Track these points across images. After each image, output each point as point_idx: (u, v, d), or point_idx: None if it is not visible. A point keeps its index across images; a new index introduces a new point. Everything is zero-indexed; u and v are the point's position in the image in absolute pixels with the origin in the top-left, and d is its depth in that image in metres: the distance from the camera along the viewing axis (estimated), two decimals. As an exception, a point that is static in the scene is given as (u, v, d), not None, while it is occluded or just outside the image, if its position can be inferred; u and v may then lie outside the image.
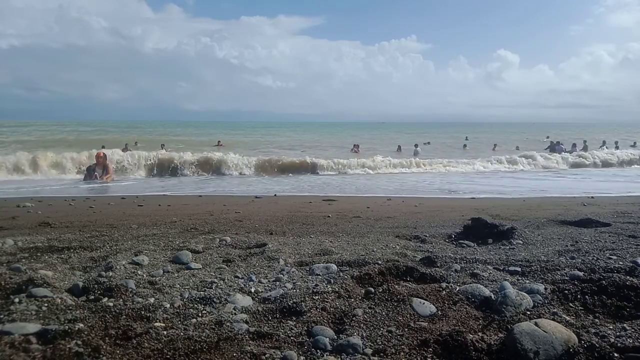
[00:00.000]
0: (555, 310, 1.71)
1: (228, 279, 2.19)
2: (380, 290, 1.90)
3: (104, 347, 1.38)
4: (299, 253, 2.79)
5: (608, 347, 1.37)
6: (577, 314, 1.69)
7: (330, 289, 1.97)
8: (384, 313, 1.71)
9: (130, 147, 19.55)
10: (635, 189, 9.73)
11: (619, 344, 1.40)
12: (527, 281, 2.12)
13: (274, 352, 1.41)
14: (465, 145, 29.46)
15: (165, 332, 1.50)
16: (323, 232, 3.68)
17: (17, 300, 1.73)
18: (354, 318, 1.65)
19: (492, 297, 1.86)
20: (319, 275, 2.25)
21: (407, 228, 3.90)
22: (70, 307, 1.72)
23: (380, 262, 2.42)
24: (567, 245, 2.94)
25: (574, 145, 24.68)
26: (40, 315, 1.62)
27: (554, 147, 23.98)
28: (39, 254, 2.67)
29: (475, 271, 2.27)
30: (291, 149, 25.19)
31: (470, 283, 2.03)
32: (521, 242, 3.10)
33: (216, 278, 2.20)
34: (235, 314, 1.73)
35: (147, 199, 7.40)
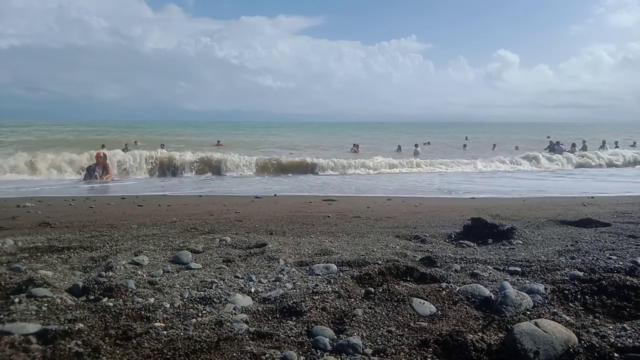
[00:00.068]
0: (555, 310, 1.71)
1: (228, 279, 2.19)
2: (380, 290, 1.90)
3: (104, 347, 1.38)
4: (299, 253, 2.79)
5: (608, 347, 1.37)
6: (577, 314, 1.69)
7: (330, 289, 1.97)
8: (384, 313, 1.71)
9: (130, 147, 19.56)
10: (635, 189, 9.73)
11: (619, 344, 1.40)
12: (527, 281, 2.12)
13: (274, 352, 1.41)
14: (465, 145, 29.48)
15: (165, 332, 1.50)
16: (323, 232, 3.68)
17: (17, 300, 1.73)
18: (354, 318, 1.65)
19: (492, 297, 1.86)
20: (319, 275, 2.25)
21: (407, 228, 3.90)
22: (70, 307, 1.72)
23: (380, 262, 2.42)
24: (567, 245, 2.94)
25: (574, 145, 24.70)
26: (40, 315, 1.62)
27: (554, 147, 24.00)
28: (39, 254, 2.67)
29: (475, 271, 2.27)
30: (291, 149, 25.19)
31: (470, 283, 2.03)
32: (521, 242, 3.10)
33: (216, 278, 2.20)
34: (235, 314, 1.73)
35: (147, 199, 7.40)
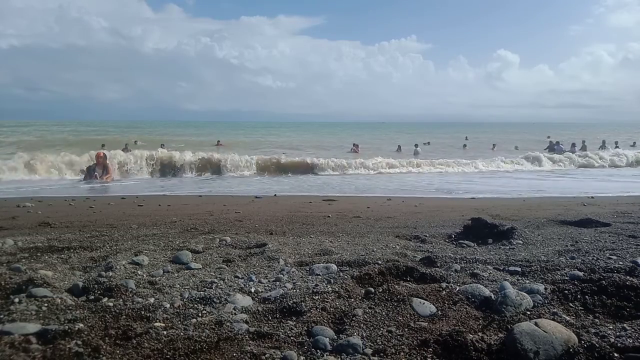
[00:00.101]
0: (555, 310, 1.71)
1: (228, 279, 2.19)
2: (380, 290, 1.90)
3: (104, 347, 1.38)
4: (299, 253, 2.79)
5: (608, 347, 1.37)
6: (577, 314, 1.69)
7: (330, 289, 1.97)
8: (384, 313, 1.71)
9: (130, 147, 19.55)
10: (635, 189, 9.73)
11: (619, 344, 1.40)
12: (527, 281, 2.12)
13: (274, 352, 1.41)
14: (465, 145, 29.49)
15: (165, 332, 1.50)
16: (323, 232, 3.68)
17: (17, 300, 1.73)
18: (354, 318, 1.65)
19: (492, 297, 1.86)
20: (319, 275, 2.25)
21: (407, 228, 3.90)
22: (70, 307, 1.72)
23: (380, 262, 2.42)
24: (567, 245, 2.94)
25: (573, 145, 24.73)
26: (40, 315, 1.62)
27: (553, 147, 24.02)
28: (39, 254, 2.67)
29: (475, 271, 2.27)
30: (291, 148, 25.19)
31: (470, 283, 2.03)
32: (521, 242, 3.10)
33: (216, 278, 2.20)
34: (235, 314, 1.73)
35: (147, 199, 7.40)
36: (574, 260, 2.45)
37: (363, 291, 1.94)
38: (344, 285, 2.00)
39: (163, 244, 2.98)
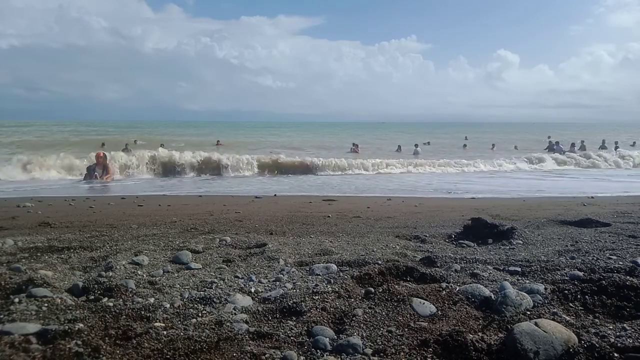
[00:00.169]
0: (555, 310, 1.71)
1: (228, 279, 2.19)
2: (380, 290, 1.90)
3: (104, 347, 1.38)
4: (299, 253, 2.79)
5: (608, 347, 1.37)
6: (577, 314, 1.69)
7: (330, 289, 1.97)
8: (384, 313, 1.71)
9: (130, 147, 19.55)
10: (635, 189, 9.74)
11: (619, 344, 1.40)
12: (527, 281, 2.12)
13: (274, 352, 1.41)
14: (465, 145, 29.50)
15: (165, 332, 1.50)
16: (323, 232, 3.68)
17: (17, 300, 1.73)
18: (354, 318, 1.65)
19: (492, 297, 1.86)
20: (319, 275, 2.25)
21: (407, 228, 3.90)
22: (70, 307, 1.72)
23: (380, 262, 2.42)
24: (567, 245, 2.94)
25: (573, 145, 24.78)
26: (40, 315, 1.62)
27: (553, 147, 24.04)
28: (39, 254, 2.67)
29: (475, 271, 2.27)
30: (291, 148, 25.19)
31: (470, 283, 2.03)
32: (521, 242, 3.10)
33: (216, 278, 2.20)
34: (235, 314, 1.73)
35: (147, 199, 7.40)
36: (574, 260, 2.45)
37: (363, 291, 1.94)
38: (344, 285, 2.00)
39: (163, 244, 2.98)
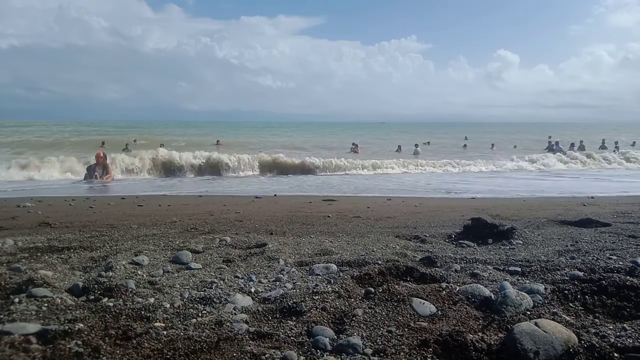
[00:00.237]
0: (555, 310, 1.71)
1: (228, 279, 2.19)
2: (380, 290, 1.90)
3: (104, 347, 1.38)
4: (299, 253, 2.79)
5: (608, 347, 1.37)
6: (577, 314, 1.69)
7: (330, 289, 1.97)
8: (384, 313, 1.71)
9: (130, 146, 19.55)
10: (635, 189, 9.73)
11: (619, 344, 1.40)
12: (527, 281, 2.12)
13: (274, 352, 1.41)
14: (465, 145, 29.52)
15: (165, 332, 1.50)
16: (323, 232, 3.68)
17: (17, 300, 1.73)
18: (354, 318, 1.65)
19: (492, 297, 1.86)
20: (319, 275, 2.25)
21: (407, 228, 3.90)
22: (70, 307, 1.72)
23: (380, 262, 2.42)
24: (567, 245, 2.94)
25: (572, 145, 24.82)
26: (40, 315, 1.62)
27: (552, 147, 24.07)
28: (39, 254, 2.67)
29: (475, 271, 2.27)
30: (291, 148, 25.19)
31: (470, 283, 2.03)
32: (521, 242, 3.10)
33: (216, 278, 2.20)
34: (235, 314, 1.73)
35: (147, 199, 7.40)
36: (574, 260, 2.45)
37: (363, 291, 1.94)
38: (344, 285, 2.00)
39: (163, 244, 2.98)
